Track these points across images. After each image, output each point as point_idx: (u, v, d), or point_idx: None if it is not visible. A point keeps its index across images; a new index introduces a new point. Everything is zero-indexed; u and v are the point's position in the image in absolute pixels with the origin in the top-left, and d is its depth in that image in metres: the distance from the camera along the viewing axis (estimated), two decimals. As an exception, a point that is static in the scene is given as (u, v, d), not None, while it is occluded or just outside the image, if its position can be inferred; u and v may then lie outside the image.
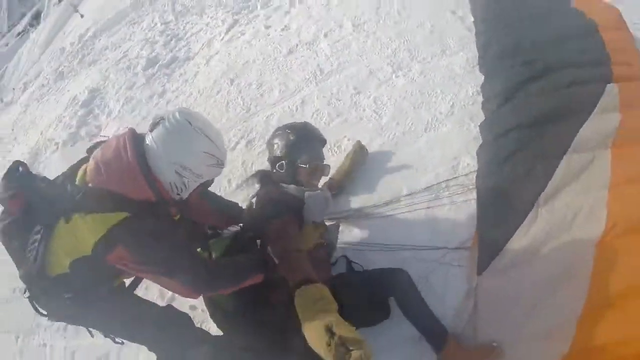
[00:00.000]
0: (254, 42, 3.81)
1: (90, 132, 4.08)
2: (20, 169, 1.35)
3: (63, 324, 2.52)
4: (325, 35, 3.36)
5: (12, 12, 16.77)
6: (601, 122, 1.64)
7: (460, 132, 2.13)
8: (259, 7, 4.36)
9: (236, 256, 1.61)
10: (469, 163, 1.96)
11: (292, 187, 1.68)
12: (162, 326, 1.58)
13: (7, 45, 13.57)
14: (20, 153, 4.53)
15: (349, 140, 2.39)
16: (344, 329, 1.06)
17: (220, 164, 1.39)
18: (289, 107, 2.86)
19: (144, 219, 1.28)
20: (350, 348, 1.00)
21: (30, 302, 1.39)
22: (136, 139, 1.33)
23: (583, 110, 1.69)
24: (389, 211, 1.98)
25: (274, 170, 1.78)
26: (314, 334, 1.09)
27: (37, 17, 13.55)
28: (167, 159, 1.29)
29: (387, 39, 2.98)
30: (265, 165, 2.50)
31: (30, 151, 4.45)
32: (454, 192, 1.91)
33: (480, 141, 1.90)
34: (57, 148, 4.17)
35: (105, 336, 1.58)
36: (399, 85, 2.58)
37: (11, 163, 1.37)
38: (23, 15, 15.51)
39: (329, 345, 1.03)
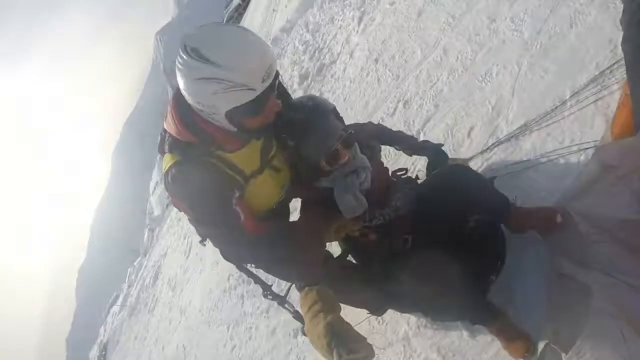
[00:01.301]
0: (385, 21, 4.17)
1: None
2: None
3: (266, 307, 3.15)
4: (446, -15, 3.51)
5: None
6: None
7: (607, 14, 2.05)
8: (378, -9, 4.74)
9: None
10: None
11: (322, 180, 1.47)
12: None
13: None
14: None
15: (497, 66, 2.51)
16: (345, 330, 1.07)
17: (237, 86, 1.11)
18: (433, 59, 3.09)
19: (191, 165, 1.24)
20: (352, 348, 1.01)
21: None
22: None
23: None
24: (557, 118, 1.93)
25: None
26: (315, 334, 1.09)
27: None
28: (180, 86, 1.18)
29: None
30: (426, 116, 2.82)
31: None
32: (621, 76, 1.78)
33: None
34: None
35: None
36: (531, -3, 2.58)
37: None
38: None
39: (329, 345, 1.03)
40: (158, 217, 17.67)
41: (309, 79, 5.15)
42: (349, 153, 1.40)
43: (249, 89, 1.12)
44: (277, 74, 1.21)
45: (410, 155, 1.84)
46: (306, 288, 1.20)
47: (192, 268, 6.54)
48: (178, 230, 8.87)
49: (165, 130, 1.30)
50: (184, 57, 1.10)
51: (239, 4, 22.46)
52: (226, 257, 1.56)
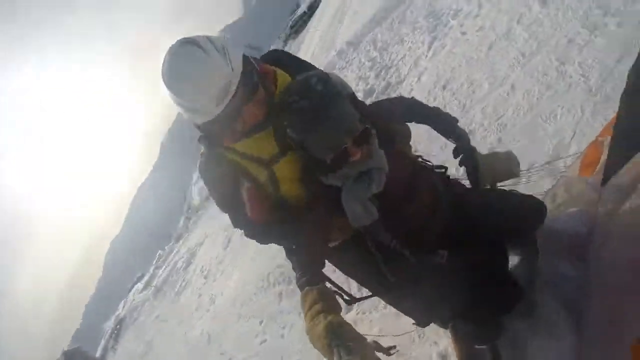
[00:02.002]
0: (456, 49, 4.41)
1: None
2: None
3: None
4: (518, 22, 3.75)
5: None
6: None
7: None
8: (450, 19, 5.01)
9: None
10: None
11: (329, 177, 1.33)
12: None
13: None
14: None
15: (562, 108, 2.68)
16: (346, 330, 1.06)
17: (192, 110, 1.22)
18: (500, 94, 3.30)
19: (209, 156, 1.38)
20: (352, 348, 1.01)
21: None
22: None
23: None
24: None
25: None
26: (315, 333, 1.08)
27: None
28: None
29: (575, 3, 3.19)
30: (488, 147, 3.00)
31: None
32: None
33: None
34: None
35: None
36: (600, 44, 2.76)
37: None
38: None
39: (330, 345, 1.02)
40: (196, 206, 18.36)
41: (374, 96, 5.42)
42: (361, 151, 1.24)
43: (204, 113, 1.22)
44: (249, 82, 1.25)
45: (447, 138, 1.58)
46: (307, 287, 1.19)
47: (228, 260, 6.80)
48: (218, 222, 9.07)
49: None
50: (165, 68, 1.21)
51: (304, 12, 23.30)
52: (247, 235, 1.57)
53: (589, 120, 2.44)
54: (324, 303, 1.14)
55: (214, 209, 10.75)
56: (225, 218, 1.53)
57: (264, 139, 1.34)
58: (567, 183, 1.78)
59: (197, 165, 1.45)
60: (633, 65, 1.66)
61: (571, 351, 1.35)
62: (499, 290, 1.47)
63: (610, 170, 1.40)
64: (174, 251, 14.26)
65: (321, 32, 18.26)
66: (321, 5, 20.87)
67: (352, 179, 1.30)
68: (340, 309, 1.18)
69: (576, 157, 1.94)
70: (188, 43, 1.20)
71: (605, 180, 1.41)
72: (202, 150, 1.41)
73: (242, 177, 1.37)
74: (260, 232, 1.47)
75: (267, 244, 1.56)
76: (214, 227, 9.70)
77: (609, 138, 1.57)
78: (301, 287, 1.22)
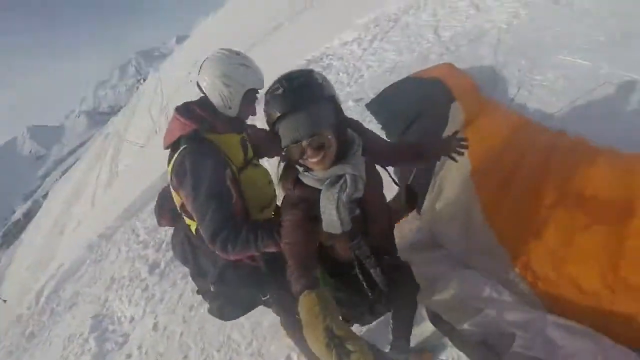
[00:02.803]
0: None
1: (118, 341, 4.30)
2: None
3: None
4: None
5: None
6: (454, 123, 2.81)
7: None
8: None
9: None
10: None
11: (306, 177, 1.36)
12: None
13: None
14: None
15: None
16: (344, 331, 1.07)
17: (257, 73, 1.69)
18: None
19: (195, 144, 1.59)
20: (350, 349, 1.02)
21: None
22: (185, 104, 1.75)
23: (443, 122, 2.89)
24: None
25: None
26: (313, 336, 1.08)
27: None
28: (214, 75, 1.63)
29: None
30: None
31: None
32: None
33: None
34: None
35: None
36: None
37: None
38: None
39: (328, 346, 1.03)
40: None
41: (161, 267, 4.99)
42: (320, 155, 1.28)
43: (259, 79, 1.69)
44: None
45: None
46: (305, 291, 1.19)
47: None
48: None
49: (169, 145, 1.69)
50: (232, 55, 1.66)
51: (19, 220, 20.18)
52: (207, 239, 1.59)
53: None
54: (322, 306, 1.13)
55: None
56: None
57: (235, 143, 1.74)
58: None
59: (176, 163, 1.59)
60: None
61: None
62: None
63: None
64: None
65: (41, 243, 16.01)
66: (39, 214, 18.71)
67: (329, 182, 1.32)
68: (338, 312, 1.19)
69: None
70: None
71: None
72: (175, 154, 1.61)
73: (227, 166, 1.62)
74: (240, 229, 1.55)
75: (238, 253, 1.58)
76: None
77: None
78: (299, 292, 1.21)
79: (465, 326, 1.60)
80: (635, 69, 2.89)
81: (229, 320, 2.07)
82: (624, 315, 1.57)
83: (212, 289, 1.92)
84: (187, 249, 1.89)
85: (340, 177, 1.32)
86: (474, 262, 2.06)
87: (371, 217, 1.49)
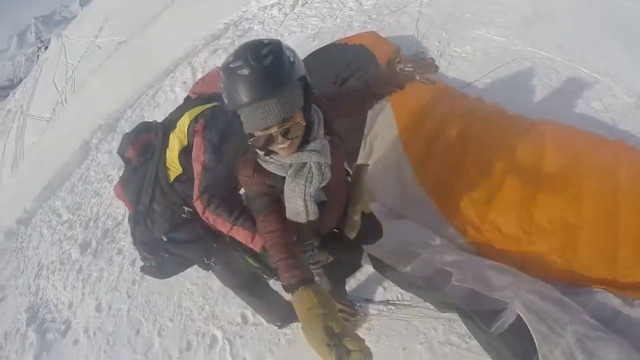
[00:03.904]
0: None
1: (60, 329, 4.14)
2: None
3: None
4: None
5: None
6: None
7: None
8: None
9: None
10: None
11: (268, 163, 1.27)
12: None
13: None
14: None
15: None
16: (344, 330, 1.06)
17: None
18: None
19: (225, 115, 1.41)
20: (350, 348, 1.02)
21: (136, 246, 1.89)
22: None
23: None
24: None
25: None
26: (312, 334, 1.07)
27: None
28: None
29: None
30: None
31: None
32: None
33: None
34: None
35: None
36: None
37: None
38: None
39: (328, 345, 1.03)
40: None
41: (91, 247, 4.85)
42: (289, 142, 1.18)
43: None
44: None
45: None
46: (301, 287, 1.16)
47: None
48: None
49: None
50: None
51: None
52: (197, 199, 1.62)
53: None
54: (320, 303, 1.11)
55: None
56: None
57: None
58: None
59: (216, 112, 1.73)
60: None
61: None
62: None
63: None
64: None
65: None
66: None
67: (293, 170, 1.25)
68: (336, 308, 1.17)
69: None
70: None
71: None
72: (210, 105, 1.79)
73: None
74: (233, 198, 1.61)
75: (213, 216, 1.59)
76: None
77: None
78: (294, 287, 1.17)
79: (408, 269, 1.88)
80: (544, 47, 3.35)
81: (165, 277, 2.04)
82: (539, 254, 1.92)
83: (164, 239, 1.83)
84: (148, 190, 1.82)
85: (304, 164, 1.25)
86: (407, 213, 2.32)
87: (333, 198, 1.43)
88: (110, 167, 6.46)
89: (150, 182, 1.81)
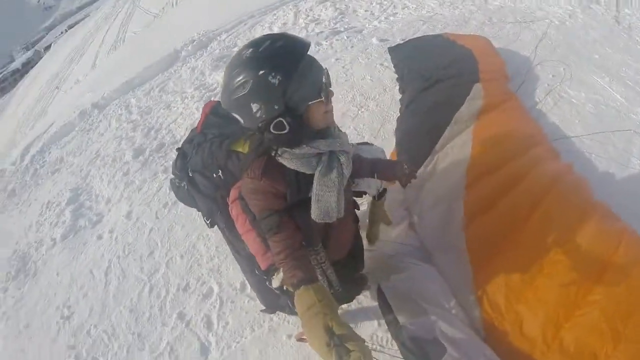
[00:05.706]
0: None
1: (92, 219, 4.42)
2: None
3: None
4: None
5: None
6: (470, 107, 2.77)
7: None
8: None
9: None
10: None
11: (320, 143, 1.24)
12: None
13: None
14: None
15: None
16: (344, 330, 1.06)
17: None
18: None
19: None
20: (350, 348, 1.02)
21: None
22: None
23: (460, 100, 2.81)
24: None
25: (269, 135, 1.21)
26: (313, 334, 1.07)
27: None
28: None
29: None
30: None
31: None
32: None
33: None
34: (54, 243, 4.40)
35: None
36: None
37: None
38: None
39: (328, 345, 1.03)
40: None
41: (147, 153, 5.07)
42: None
43: None
44: None
45: None
46: (302, 286, 1.16)
47: None
48: None
49: None
50: None
51: (17, 69, 19.98)
52: None
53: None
54: (321, 303, 1.12)
55: None
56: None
57: None
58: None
59: None
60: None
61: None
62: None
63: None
64: None
65: (35, 96, 15.77)
66: (38, 65, 18.21)
67: (323, 167, 1.25)
68: (337, 308, 1.17)
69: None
70: None
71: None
72: None
73: None
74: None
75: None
76: None
77: None
78: (296, 286, 1.18)
79: (407, 322, 1.70)
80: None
81: (179, 200, 2.04)
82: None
83: (189, 173, 1.88)
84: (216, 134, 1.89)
85: (329, 157, 1.26)
86: (437, 257, 2.11)
87: (341, 225, 1.46)
88: (188, 83, 6.59)
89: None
